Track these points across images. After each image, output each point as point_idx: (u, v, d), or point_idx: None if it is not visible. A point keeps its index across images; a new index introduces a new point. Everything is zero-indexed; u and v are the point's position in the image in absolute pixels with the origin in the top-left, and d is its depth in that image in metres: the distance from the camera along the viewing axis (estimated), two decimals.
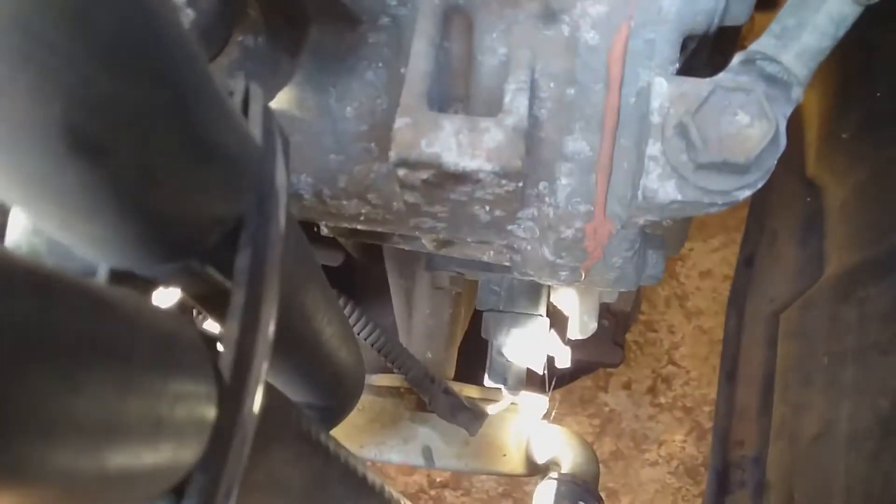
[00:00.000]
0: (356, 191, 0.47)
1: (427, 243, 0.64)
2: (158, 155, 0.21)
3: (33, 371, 0.16)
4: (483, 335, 0.70)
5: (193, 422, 0.24)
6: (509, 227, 0.47)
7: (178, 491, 0.25)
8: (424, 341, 0.75)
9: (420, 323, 0.75)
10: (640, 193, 0.37)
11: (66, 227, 0.22)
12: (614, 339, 1.08)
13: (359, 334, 0.59)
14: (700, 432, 1.64)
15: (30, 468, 0.17)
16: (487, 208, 0.44)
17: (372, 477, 0.39)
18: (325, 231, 0.64)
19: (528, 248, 0.49)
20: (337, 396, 0.49)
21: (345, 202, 0.47)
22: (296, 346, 0.40)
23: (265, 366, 0.28)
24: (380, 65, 0.45)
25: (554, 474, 0.75)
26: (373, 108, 0.46)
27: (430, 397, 0.69)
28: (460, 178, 0.39)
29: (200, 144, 0.23)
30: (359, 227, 0.56)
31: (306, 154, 0.46)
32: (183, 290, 0.30)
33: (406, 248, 0.67)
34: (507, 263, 0.65)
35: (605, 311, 1.01)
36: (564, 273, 0.48)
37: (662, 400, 1.66)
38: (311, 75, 0.46)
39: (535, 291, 0.70)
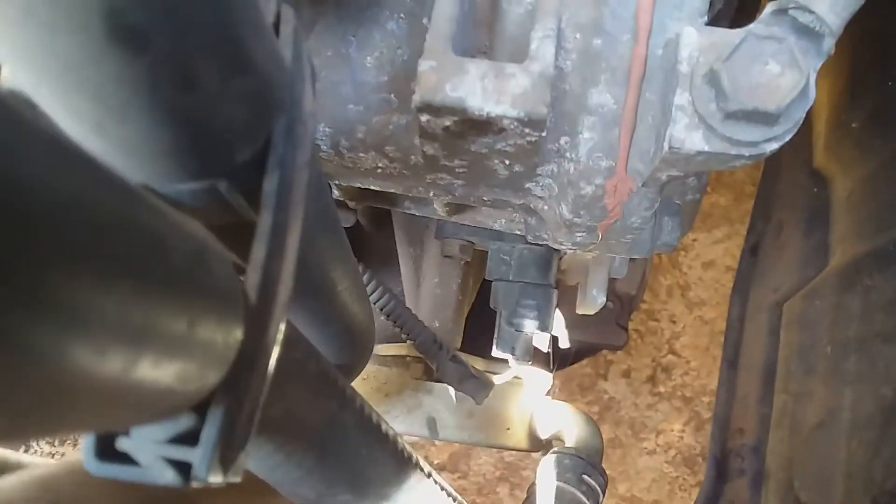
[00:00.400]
0: (374, 142, 0.46)
1: (439, 208, 0.64)
2: (195, 55, 0.21)
3: (67, 256, 0.16)
4: (492, 305, 0.70)
5: (220, 338, 0.23)
6: (527, 185, 0.47)
7: (200, 411, 0.25)
8: (432, 310, 0.75)
9: (428, 292, 0.75)
10: (665, 144, 0.37)
11: (99, 130, 0.22)
12: (618, 321, 1.08)
13: (370, 296, 0.59)
14: (698, 422, 1.65)
15: (54, 356, 0.16)
16: (507, 162, 0.43)
17: (386, 426, 0.39)
18: (336, 194, 0.64)
19: (545, 207, 0.49)
20: (348, 353, 0.48)
21: (362, 154, 0.47)
22: (313, 293, 0.40)
23: (289, 292, 0.27)
24: (402, 15, 0.45)
25: (557, 449, 0.75)
26: (393, 58, 0.45)
27: (437, 364, 0.69)
28: (483, 125, 0.39)
29: (236, 52, 0.23)
30: (373, 185, 0.56)
31: (325, 103, 0.46)
32: (205, 218, 0.29)
33: (417, 215, 0.67)
34: (519, 231, 0.65)
35: (610, 294, 1.01)
36: (581, 234, 0.48)
37: (662, 389, 1.66)
38: (331, 24, 0.45)
39: (545, 262, 0.70)
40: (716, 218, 1.68)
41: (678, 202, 0.58)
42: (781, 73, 0.34)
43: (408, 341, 0.67)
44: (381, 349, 0.76)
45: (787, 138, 0.36)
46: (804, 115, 0.35)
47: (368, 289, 0.57)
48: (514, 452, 1.64)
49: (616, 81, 0.41)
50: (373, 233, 0.80)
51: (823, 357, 1.05)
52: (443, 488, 0.45)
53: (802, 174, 1.25)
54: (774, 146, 0.36)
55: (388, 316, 0.60)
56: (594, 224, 0.46)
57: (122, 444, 0.25)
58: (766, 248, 1.29)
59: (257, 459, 0.33)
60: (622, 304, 1.07)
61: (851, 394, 0.96)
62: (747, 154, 0.36)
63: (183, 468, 0.24)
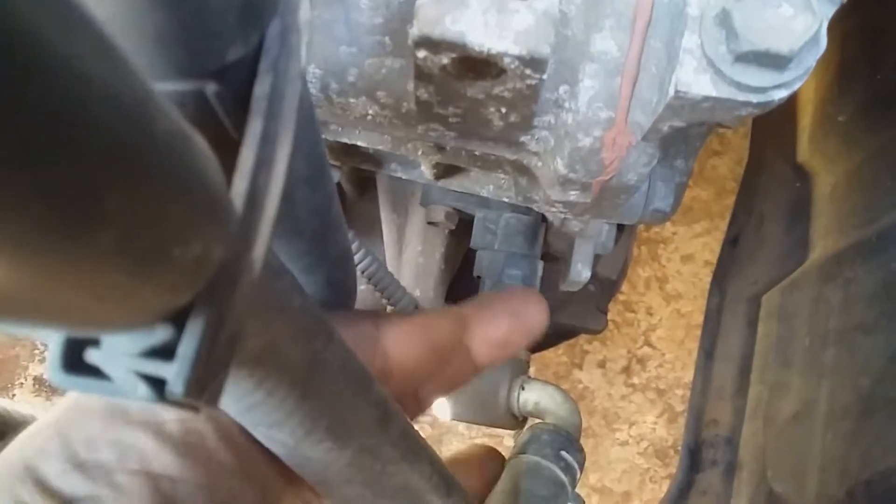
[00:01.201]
0: (365, 86, 0.44)
1: (426, 170, 0.62)
2: None
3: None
4: (475, 273, 0.68)
5: (203, 238, 0.21)
6: (522, 139, 0.46)
7: (178, 324, 0.23)
8: (414, 278, 0.73)
9: (410, 259, 0.73)
10: (671, 89, 0.35)
11: None
12: (598, 305, 1.07)
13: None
14: (671, 415, 1.65)
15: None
16: (503, 111, 0.42)
17: (369, 371, 0.38)
18: None
19: (539, 163, 0.48)
20: (331, 306, 0.47)
21: (352, 99, 0.45)
22: (300, 233, 0.38)
23: (276, 209, 0.26)
24: None
25: (535, 424, 0.74)
26: (389, 0, 0.43)
27: None
28: (483, 65, 0.37)
29: None
30: (361, 140, 0.54)
31: (316, 43, 0.44)
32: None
33: (403, 179, 0.65)
34: (507, 199, 0.64)
35: (592, 277, 1.00)
36: (575, 191, 0.47)
37: (636, 380, 1.66)
38: None
39: (531, 232, 0.69)
40: (696, 212, 1.68)
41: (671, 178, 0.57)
42: (794, 15, 0.33)
43: (387, 308, 0.66)
44: None
45: (797, 86, 0.35)
46: (814, 62, 0.34)
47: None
48: (487, 437, 1.63)
49: (621, 27, 0.40)
50: (356, 198, 0.78)
51: (801, 349, 1.05)
52: (427, 447, 0.43)
53: (785, 168, 1.25)
54: (783, 93, 0.35)
55: (369, 279, 0.58)
56: (589, 180, 0.45)
57: (92, 356, 0.23)
58: (747, 240, 1.29)
59: (235, 397, 0.31)
60: (603, 288, 1.06)
61: (829, 385, 0.96)
62: (755, 101, 0.35)
63: (157, 385, 0.23)
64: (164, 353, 0.23)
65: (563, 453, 0.70)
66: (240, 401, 0.31)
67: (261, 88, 0.25)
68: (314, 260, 0.40)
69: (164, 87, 0.24)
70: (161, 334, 0.23)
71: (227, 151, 0.26)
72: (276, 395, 0.31)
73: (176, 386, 0.22)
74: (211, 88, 0.25)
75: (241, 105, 0.26)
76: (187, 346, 0.22)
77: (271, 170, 0.25)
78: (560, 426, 0.73)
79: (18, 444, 0.33)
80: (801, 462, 0.96)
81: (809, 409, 0.97)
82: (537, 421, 0.77)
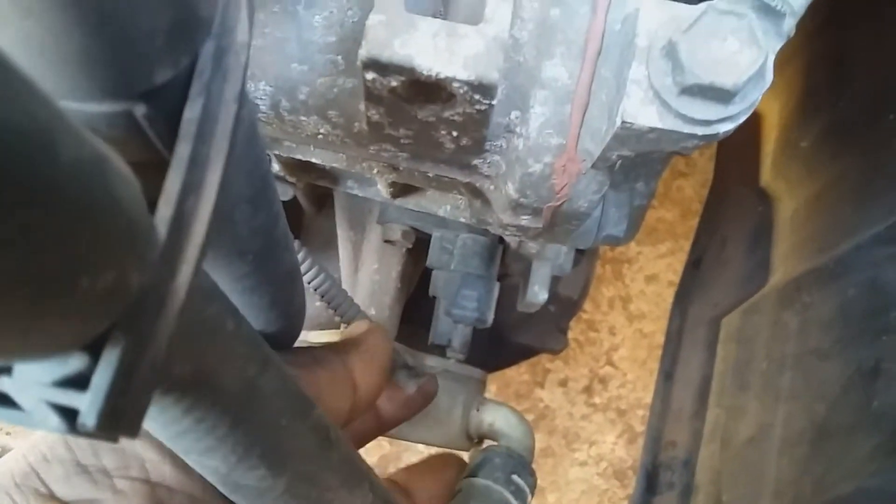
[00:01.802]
0: (317, 105, 0.44)
1: (383, 189, 0.62)
2: None
3: None
4: (431, 293, 0.68)
5: (117, 267, 0.21)
6: (474, 162, 0.45)
7: (94, 353, 0.22)
8: (369, 297, 0.72)
9: (366, 278, 0.73)
10: (617, 119, 0.35)
11: (1, 22, 0.19)
12: (559, 325, 1.07)
13: (304, 275, 0.56)
14: (631, 435, 1.65)
15: None
16: (455, 134, 0.41)
17: (306, 394, 0.37)
18: (276, 168, 0.61)
19: (492, 187, 0.47)
20: (275, 329, 0.46)
21: (304, 118, 0.45)
22: (240, 256, 0.37)
23: (205, 234, 0.25)
24: None
25: (487, 447, 0.73)
26: (343, 19, 0.43)
27: None
28: (432, 89, 0.37)
29: None
30: (314, 157, 0.54)
31: (267, 60, 0.43)
32: (122, 152, 0.27)
33: (360, 197, 0.65)
34: (464, 219, 0.63)
35: (551, 297, 1.00)
36: (526, 216, 0.46)
37: (597, 400, 1.66)
38: None
39: (488, 253, 0.68)
40: (661, 233, 1.70)
41: (626, 200, 0.57)
42: (740, 49, 0.33)
43: (341, 326, 0.65)
44: (312, 336, 0.73)
45: (741, 119, 0.35)
46: (760, 96, 0.34)
47: (303, 267, 0.55)
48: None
49: (571, 55, 0.40)
50: (313, 214, 0.78)
51: (759, 373, 1.05)
52: (369, 472, 0.42)
53: (749, 192, 1.26)
54: (728, 127, 0.35)
55: (322, 297, 0.57)
56: (540, 206, 0.45)
57: (2, 384, 0.22)
58: (709, 262, 1.30)
59: (162, 423, 0.30)
60: (563, 308, 1.06)
61: (784, 410, 0.97)
62: (700, 133, 0.35)
63: (70, 415, 0.22)
64: (79, 382, 0.22)
65: (515, 477, 0.69)
66: (167, 427, 0.30)
67: (191, 112, 0.24)
68: (258, 281, 0.40)
69: (91, 109, 0.24)
70: (75, 363, 0.22)
71: (162, 175, 0.25)
72: (206, 422, 0.31)
73: (88, 417, 0.21)
74: (140, 110, 0.24)
75: (174, 128, 0.25)
76: (102, 376, 0.22)
77: (200, 194, 0.24)
78: (513, 449, 0.73)
79: (24, 451, 0.34)
80: (756, 486, 0.96)
81: (765, 433, 0.98)
82: (491, 443, 0.76)
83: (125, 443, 0.35)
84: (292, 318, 0.47)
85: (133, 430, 0.24)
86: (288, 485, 0.35)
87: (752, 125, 1.25)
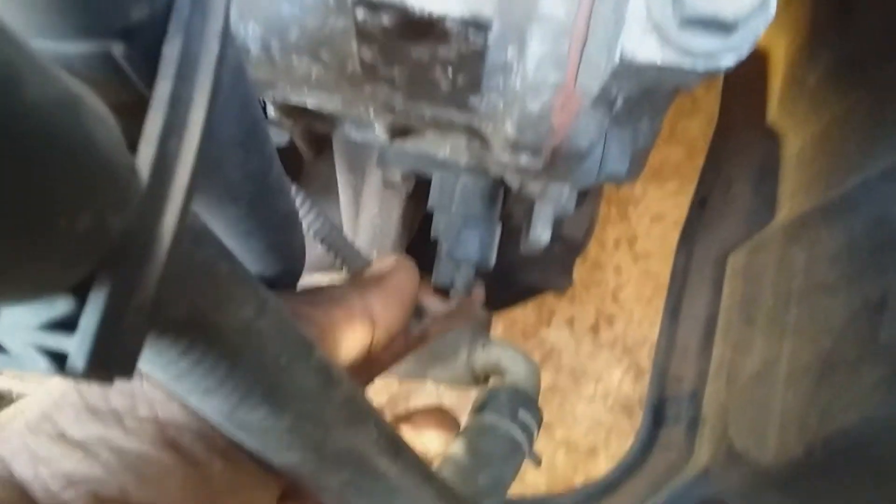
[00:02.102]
0: (308, 45, 0.43)
1: (380, 132, 0.61)
2: None
3: None
4: (432, 235, 0.67)
5: (93, 212, 0.20)
6: (471, 101, 0.44)
7: (81, 295, 0.22)
8: (370, 241, 0.72)
9: (367, 222, 0.72)
10: (617, 55, 0.34)
11: None
12: (564, 264, 1.07)
13: (303, 220, 0.56)
14: (637, 372, 1.66)
15: None
16: (450, 72, 0.41)
17: (308, 337, 0.37)
18: (271, 112, 0.60)
19: (490, 127, 0.47)
20: (273, 274, 0.46)
21: (295, 59, 0.44)
22: (233, 200, 0.37)
23: (191, 175, 0.25)
24: None
25: (493, 384, 0.74)
26: None
27: None
28: (424, 26, 0.36)
29: None
30: (309, 101, 0.53)
31: (257, 1, 0.42)
32: (102, 94, 0.26)
33: (358, 139, 0.64)
34: (464, 161, 0.63)
35: (556, 238, 1.00)
36: (526, 155, 0.46)
37: (603, 338, 1.67)
38: None
39: (489, 195, 0.68)
40: (667, 172, 1.68)
41: (629, 139, 0.56)
42: None
43: (342, 271, 0.65)
44: (313, 280, 0.73)
45: (746, 51, 0.34)
46: (764, 28, 0.33)
47: (302, 211, 0.54)
48: (453, 395, 1.64)
49: None
50: (312, 158, 0.77)
51: (765, 308, 1.05)
52: (374, 411, 0.42)
53: (755, 130, 1.25)
54: (731, 59, 0.34)
55: (322, 241, 0.57)
56: (540, 144, 0.44)
57: None
58: (715, 201, 1.29)
59: (161, 365, 0.30)
60: (568, 248, 1.05)
61: (790, 344, 0.97)
62: (702, 67, 0.34)
63: (59, 358, 0.22)
64: (67, 325, 0.22)
65: (521, 413, 0.70)
66: (166, 369, 0.30)
67: (170, 49, 0.24)
68: (254, 225, 0.39)
69: (67, 48, 0.23)
70: (62, 306, 0.22)
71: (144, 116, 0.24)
72: (205, 363, 0.31)
73: (77, 360, 0.21)
74: (118, 49, 0.23)
75: (155, 68, 0.25)
76: (89, 318, 0.22)
77: (183, 135, 0.24)
78: (519, 386, 0.73)
79: (38, 398, 0.35)
80: (762, 419, 0.97)
81: (771, 367, 0.98)
82: (496, 378, 0.77)
83: (135, 384, 0.36)
84: (292, 262, 0.47)
85: (127, 370, 0.24)
86: (292, 424, 0.36)
87: (758, 62, 1.23)
